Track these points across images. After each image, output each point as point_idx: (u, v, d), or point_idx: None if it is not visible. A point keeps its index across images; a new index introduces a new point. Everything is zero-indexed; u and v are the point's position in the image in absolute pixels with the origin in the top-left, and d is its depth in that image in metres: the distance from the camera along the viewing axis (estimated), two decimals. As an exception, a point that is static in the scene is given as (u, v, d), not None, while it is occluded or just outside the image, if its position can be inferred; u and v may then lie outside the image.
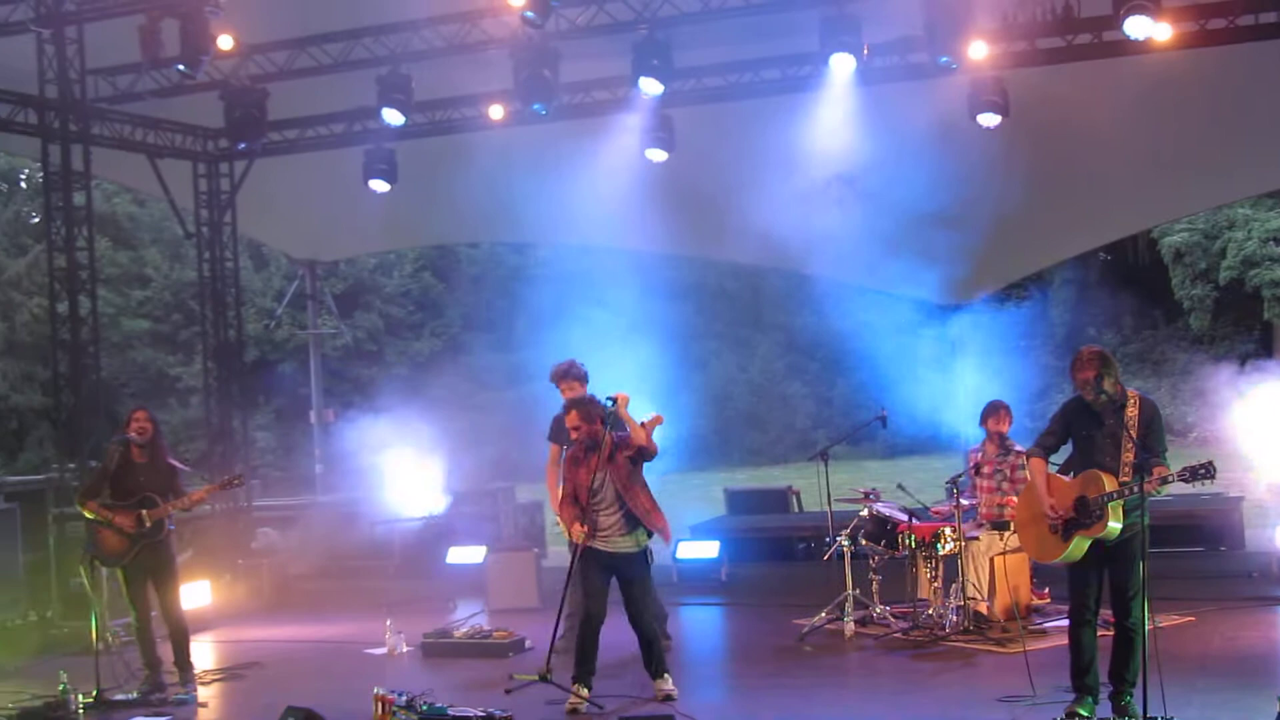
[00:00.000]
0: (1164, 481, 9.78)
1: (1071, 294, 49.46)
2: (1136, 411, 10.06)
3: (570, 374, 14.05)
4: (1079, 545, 10.07)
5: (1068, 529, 10.11)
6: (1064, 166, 19.24)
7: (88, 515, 13.17)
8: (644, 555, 12.06)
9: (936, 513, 14.91)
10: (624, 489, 11.87)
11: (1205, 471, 9.49)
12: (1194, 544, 18.79)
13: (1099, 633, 10.33)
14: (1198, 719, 9.70)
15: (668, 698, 11.74)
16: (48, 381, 31.18)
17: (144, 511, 13.01)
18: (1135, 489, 9.77)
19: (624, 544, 11.91)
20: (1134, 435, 9.96)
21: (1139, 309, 47.71)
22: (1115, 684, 10.24)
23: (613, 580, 12.00)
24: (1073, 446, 10.51)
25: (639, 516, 11.87)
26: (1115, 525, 9.91)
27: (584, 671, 11.91)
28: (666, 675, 12.00)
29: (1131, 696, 10.04)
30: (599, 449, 11.80)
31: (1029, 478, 10.66)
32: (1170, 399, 44.55)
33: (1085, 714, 9.91)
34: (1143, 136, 18.45)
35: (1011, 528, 13.69)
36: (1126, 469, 9.92)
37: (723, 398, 47.30)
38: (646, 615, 12.04)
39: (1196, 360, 44.35)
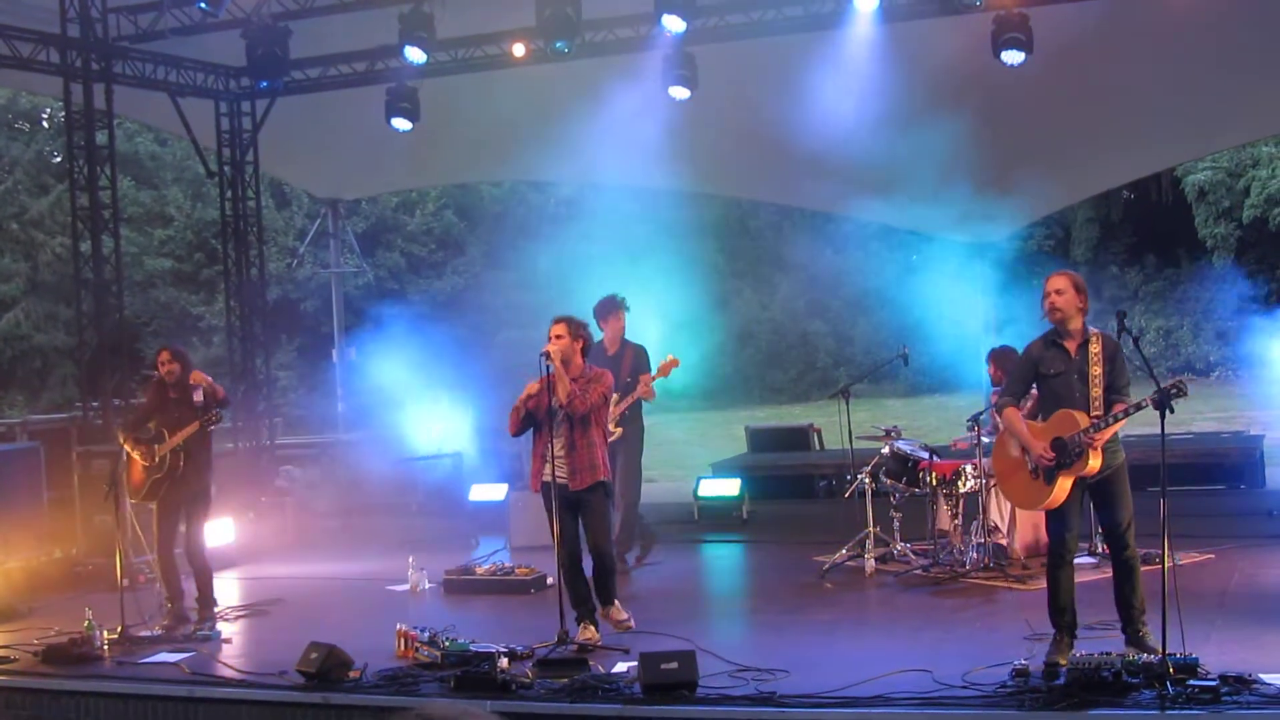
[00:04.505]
0: (1137, 408, 9.84)
1: (1094, 233, 49.35)
2: (1100, 348, 10.09)
3: (621, 307, 14.49)
4: (1063, 486, 10.07)
5: (1050, 472, 10.10)
6: (1088, 104, 19.17)
7: (125, 447, 13.46)
8: (599, 488, 11.94)
9: (957, 443, 14.96)
10: (578, 434, 11.85)
11: (1177, 391, 9.50)
12: (1214, 481, 18.86)
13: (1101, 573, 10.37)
14: (1216, 655, 9.71)
15: (624, 625, 11.88)
16: (70, 321, 31.19)
17: (155, 446, 13.17)
18: (1111, 419, 9.86)
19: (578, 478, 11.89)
20: (1100, 371, 10.01)
21: (1162, 248, 47.58)
22: (1124, 614, 10.32)
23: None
24: (1039, 391, 10.59)
25: (583, 466, 11.84)
26: (1096, 462, 9.95)
27: (584, 612, 11.97)
28: (615, 603, 12.10)
29: (1145, 626, 10.14)
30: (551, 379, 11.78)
31: (1003, 429, 10.67)
32: (1192, 338, 44.59)
33: (1063, 663, 9.74)
34: (1167, 74, 18.37)
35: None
36: (1097, 404, 9.97)
37: (744, 336, 47.35)
38: (604, 546, 12.00)
39: (1219, 299, 44.28)
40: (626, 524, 15.11)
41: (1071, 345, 10.18)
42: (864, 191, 21.20)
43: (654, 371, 14.72)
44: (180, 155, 46.24)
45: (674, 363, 14.73)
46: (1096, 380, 10.02)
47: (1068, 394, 10.13)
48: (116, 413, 17.80)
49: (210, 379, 13.78)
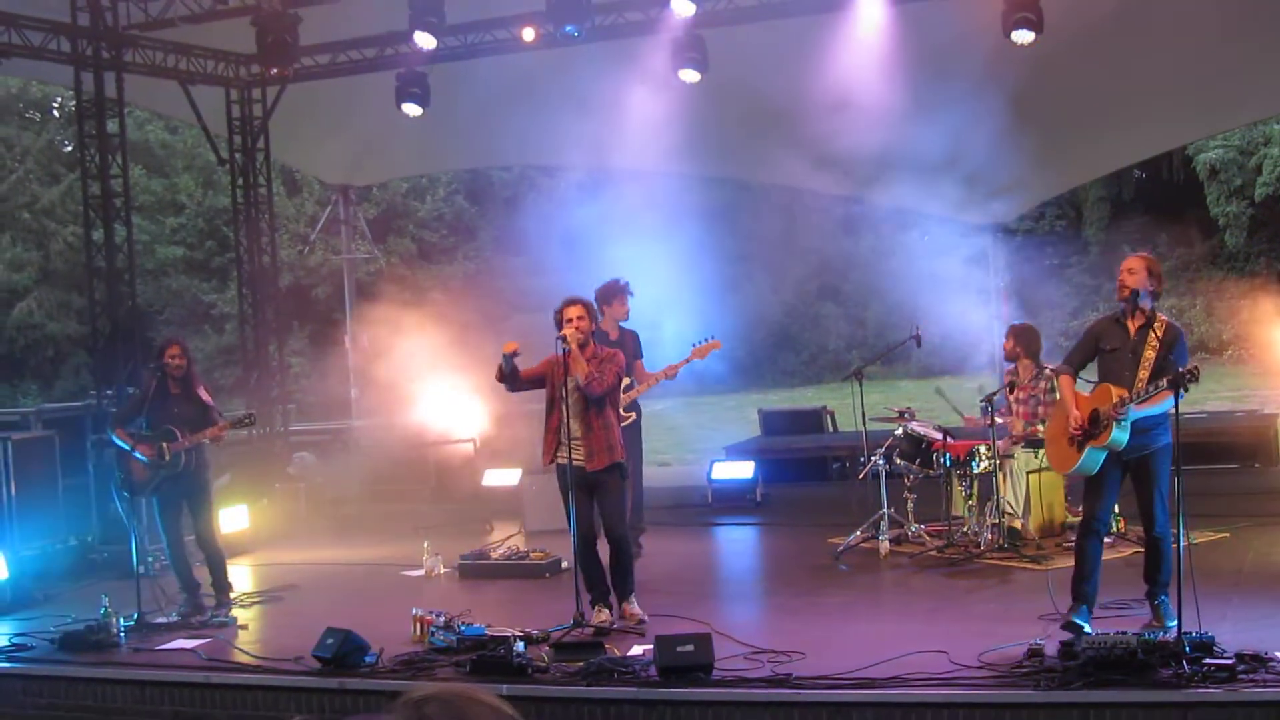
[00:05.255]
0: (1156, 389, 10.07)
1: (1105, 212, 49.27)
2: (1161, 333, 10.33)
3: (626, 290, 14.47)
4: (1091, 456, 10.42)
5: (1082, 441, 10.46)
6: (1099, 83, 19.14)
7: (116, 441, 13.39)
8: (616, 469, 12.03)
9: (969, 420, 14.97)
10: (594, 415, 11.95)
11: (1191, 377, 9.70)
12: (1228, 460, 18.84)
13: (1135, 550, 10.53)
14: (1231, 633, 9.71)
15: (640, 621, 11.83)
16: (83, 309, 31.22)
17: (164, 444, 13.15)
18: (1136, 397, 10.16)
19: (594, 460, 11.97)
20: (1153, 355, 10.26)
21: (1173, 226, 47.49)
22: (1149, 585, 10.63)
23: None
24: (1098, 364, 10.79)
25: (600, 447, 11.93)
26: (1120, 435, 10.24)
27: (598, 594, 12.02)
28: (632, 598, 12.10)
29: (1165, 597, 10.41)
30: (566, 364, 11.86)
31: (1058, 395, 11.02)
32: (1205, 316, 44.49)
33: (1079, 623, 10.19)
34: (1178, 52, 18.32)
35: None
36: (1141, 385, 10.20)
37: (756, 319, 47.23)
38: (620, 530, 12.09)
39: (1231, 277, 44.22)
40: (636, 506, 15.10)
41: (1133, 325, 10.52)
42: (875, 173, 21.18)
43: (690, 352, 14.71)
44: (191, 143, 46.36)
45: (715, 345, 14.67)
46: (1147, 363, 10.28)
47: (1117, 370, 10.48)
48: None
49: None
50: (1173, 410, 9.97)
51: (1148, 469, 10.45)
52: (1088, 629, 10.07)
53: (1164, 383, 9.96)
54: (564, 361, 11.76)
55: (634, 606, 12.00)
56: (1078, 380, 10.85)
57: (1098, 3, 16.60)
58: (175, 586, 13.57)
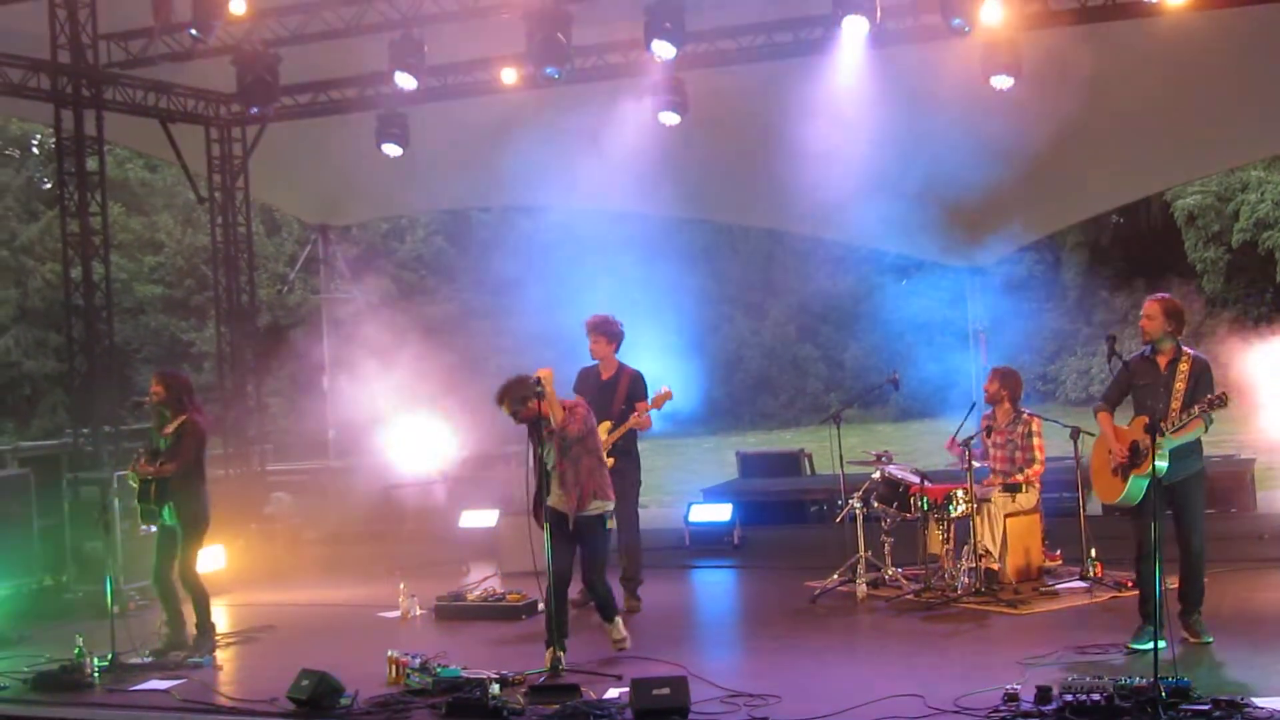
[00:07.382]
0: (1191, 417, 10.85)
1: (1084, 257, 49.44)
2: (1188, 366, 11.12)
3: (599, 329, 14.25)
4: (1136, 485, 11.09)
5: (1126, 470, 11.16)
6: (1077, 128, 19.14)
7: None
8: (599, 520, 12.21)
9: (952, 449, 14.88)
10: (571, 458, 12.01)
11: (1220, 401, 10.70)
12: (1205, 505, 18.77)
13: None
14: (1207, 678, 9.72)
15: (620, 644, 12.16)
16: (61, 347, 31.20)
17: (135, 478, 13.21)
18: (1169, 429, 10.86)
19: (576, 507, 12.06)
20: (1183, 386, 11.01)
21: (1151, 272, 47.66)
22: (1182, 604, 11.30)
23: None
24: (1133, 398, 11.47)
25: (570, 490, 12.01)
26: (1161, 464, 10.77)
27: (558, 635, 11.99)
28: (617, 620, 12.39)
29: (1197, 615, 11.24)
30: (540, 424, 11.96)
31: (1099, 429, 11.66)
32: (1183, 362, 44.50)
33: (1139, 647, 10.90)
34: (1156, 98, 18.39)
35: (1023, 489, 14.07)
36: (1174, 415, 10.91)
37: (735, 361, 47.40)
38: (598, 579, 12.27)
39: (1209, 323, 44.33)
40: (633, 558, 14.96)
41: (1163, 361, 11.33)
42: (854, 216, 21.18)
43: (649, 400, 14.55)
44: (170, 181, 46.33)
45: (667, 395, 14.53)
46: (1178, 394, 11.03)
47: (1151, 404, 11.16)
48: (106, 439, 17.80)
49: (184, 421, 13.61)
50: (1202, 436, 10.95)
51: (1184, 495, 11.12)
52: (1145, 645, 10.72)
53: (1195, 410, 10.71)
54: (537, 404, 11.79)
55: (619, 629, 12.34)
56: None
57: (1076, 49, 16.66)
58: (152, 626, 13.52)
